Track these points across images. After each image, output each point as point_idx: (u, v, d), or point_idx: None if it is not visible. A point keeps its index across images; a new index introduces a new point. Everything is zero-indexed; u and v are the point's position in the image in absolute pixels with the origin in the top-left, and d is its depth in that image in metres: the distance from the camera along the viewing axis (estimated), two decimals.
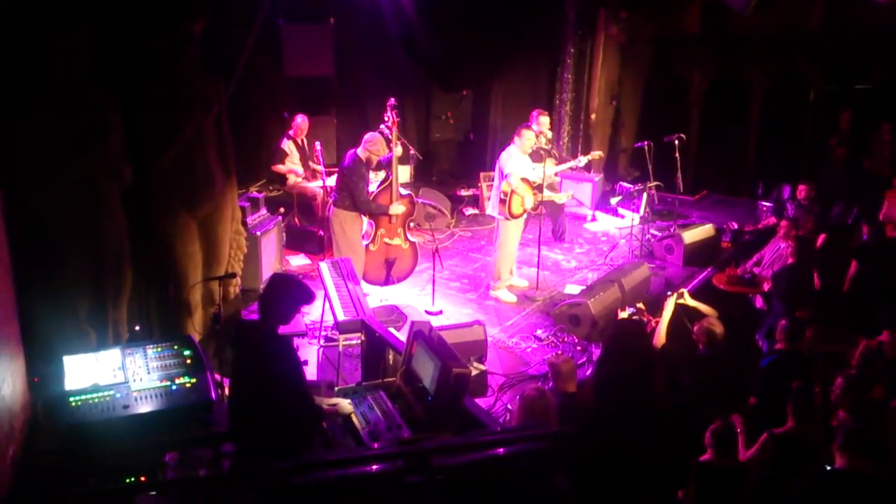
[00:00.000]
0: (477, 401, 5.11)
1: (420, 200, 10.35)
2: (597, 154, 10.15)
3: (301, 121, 10.02)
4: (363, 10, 10.82)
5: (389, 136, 7.76)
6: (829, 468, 4.42)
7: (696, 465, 4.60)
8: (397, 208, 7.74)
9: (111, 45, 5.19)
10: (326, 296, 6.48)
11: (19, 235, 4.67)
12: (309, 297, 4.45)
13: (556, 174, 9.66)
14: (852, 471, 4.21)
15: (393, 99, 7.88)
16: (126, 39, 5.32)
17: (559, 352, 7.00)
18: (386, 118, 7.83)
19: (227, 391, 6.07)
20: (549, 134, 9.81)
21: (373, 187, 7.88)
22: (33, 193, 4.76)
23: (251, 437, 4.18)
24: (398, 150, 7.76)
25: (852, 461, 4.22)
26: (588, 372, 6.83)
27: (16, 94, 4.65)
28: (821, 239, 8.97)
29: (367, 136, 7.65)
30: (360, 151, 7.60)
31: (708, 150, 12.77)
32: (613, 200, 11.10)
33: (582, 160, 9.71)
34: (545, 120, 9.64)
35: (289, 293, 4.32)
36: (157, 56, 5.51)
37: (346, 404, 4.52)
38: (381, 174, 8.02)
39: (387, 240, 7.89)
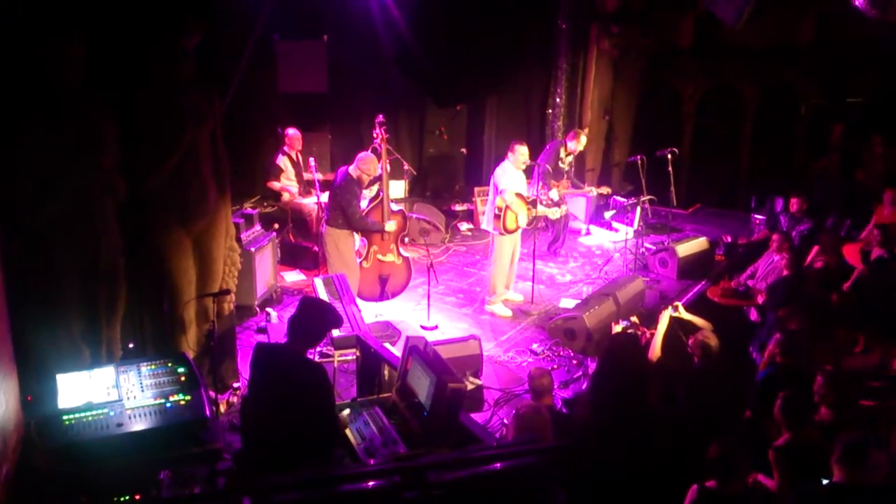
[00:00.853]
0: (473, 415, 5.10)
1: (414, 216, 10.37)
2: (606, 189, 10.41)
3: (293, 133, 10.02)
4: (357, 27, 10.87)
5: (380, 152, 7.79)
6: (825, 482, 4.40)
7: (699, 490, 4.45)
8: (391, 224, 7.76)
9: (106, 58, 5.19)
10: None
11: (12, 251, 4.65)
12: (338, 321, 4.48)
13: (562, 196, 9.78)
14: (850, 484, 4.19)
15: (381, 115, 7.90)
16: (120, 52, 5.33)
17: (537, 367, 6.93)
18: (375, 134, 7.86)
19: (222, 408, 6.10)
20: (572, 158, 9.97)
21: (364, 203, 7.90)
22: (28, 207, 4.73)
23: (277, 458, 4.14)
24: (387, 168, 7.78)
25: (850, 474, 4.20)
26: (584, 386, 6.82)
27: (10, 106, 4.64)
28: (814, 251, 9.00)
29: (361, 155, 7.67)
30: (351, 170, 7.61)
31: (701, 163, 12.83)
32: (607, 214, 11.14)
33: (593, 191, 10.04)
34: (584, 139, 9.86)
35: (321, 317, 4.32)
36: (152, 70, 5.52)
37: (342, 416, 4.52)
38: (374, 189, 8.03)
39: (380, 256, 7.90)
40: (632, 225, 10.15)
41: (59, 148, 4.80)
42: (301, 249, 9.62)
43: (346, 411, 4.59)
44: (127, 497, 4.14)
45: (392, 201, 7.96)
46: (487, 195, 8.62)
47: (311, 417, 4.16)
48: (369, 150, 7.89)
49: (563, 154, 9.82)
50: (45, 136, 4.74)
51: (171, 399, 4.46)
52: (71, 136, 4.86)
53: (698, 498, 4.36)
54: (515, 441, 4.51)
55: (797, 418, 4.89)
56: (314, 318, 4.29)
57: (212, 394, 5.52)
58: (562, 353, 7.57)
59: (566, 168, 9.75)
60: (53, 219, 4.83)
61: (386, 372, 5.39)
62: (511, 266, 8.63)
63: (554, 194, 9.03)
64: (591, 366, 7.09)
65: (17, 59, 4.63)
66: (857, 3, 8.13)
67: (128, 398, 4.45)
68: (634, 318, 6.96)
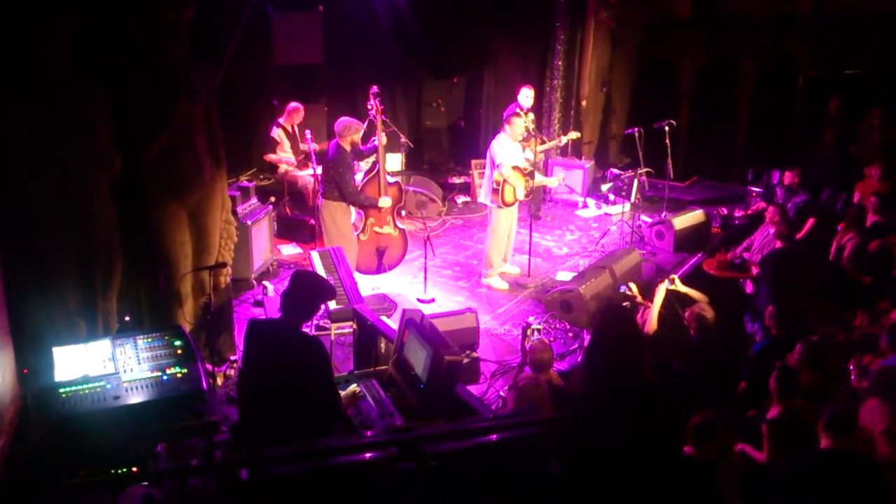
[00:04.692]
0: (469, 388, 5.12)
1: (411, 188, 10.34)
2: (574, 135, 10.25)
3: (293, 107, 9.96)
4: None
5: (375, 124, 7.75)
6: (811, 452, 4.43)
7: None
8: (385, 201, 7.72)
9: (97, 33, 5.14)
10: None
11: (6, 225, 4.64)
12: (331, 293, 4.48)
13: (543, 153, 9.70)
14: (839, 451, 4.22)
15: (375, 87, 7.84)
16: (113, 27, 5.27)
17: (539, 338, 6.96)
18: (370, 106, 7.81)
19: (218, 381, 6.12)
20: (532, 115, 9.82)
21: (360, 176, 7.87)
22: (20, 184, 4.72)
23: (274, 431, 4.14)
24: (383, 139, 7.73)
25: (838, 442, 4.23)
26: (580, 358, 6.84)
27: None
28: (809, 224, 9.02)
29: (337, 124, 7.62)
30: (339, 141, 7.58)
31: (698, 135, 12.78)
32: (604, 187, 11.12)
33: (563, 139, 9.87)
34: (530, 93, 9.65)
35: (313, 290, 4.31)
36: (145, 44, 5.47)
37: (355, 391, 4.53)
38: (370, 161, 8.00)
39: (377, 228, 7.88)
40: (629, 198, 10.14)
41: (49, 124, 4.77)
42: (298, 222, 9.60)
43: (354, 387, 4.58)
44: (124, 469, 4.16)
45: (388, 174, 7.92)
46: (484, 168, 8.58)
47: (308, 391, 4.17)
48: (364, 123, 7.84)
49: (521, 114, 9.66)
50: (35, 113, 4.70)
51: (168, 372, 4.48)
52: (61, 112, 4.83)
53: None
54: (514, 413, 4.54)
55: (788, 390, 4.93)
56: (307, 292, 4.28)
57: (208, 367, 5.54)
58: (558, 325, 7.59)
59: (531, 126, 9.63)
60: (45, 193, 4.81)
61: (383, 345, 5.40)
62: (508, 239, 8.62)
63: (529, 153, 8.91)
64: (587, 338, 7.11)
65: (6, 36, 4.58)
66: None
67: (124, 371, 4.46)
68: (632, 285, 6.98)
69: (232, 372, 6.33)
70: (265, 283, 8.06)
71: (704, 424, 4.64)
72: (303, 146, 9.83)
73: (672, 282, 6.65)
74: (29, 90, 4.71)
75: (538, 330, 6.44)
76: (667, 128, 9.94)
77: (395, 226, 7.99)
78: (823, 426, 4.28)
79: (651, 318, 6.29)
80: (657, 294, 6.48)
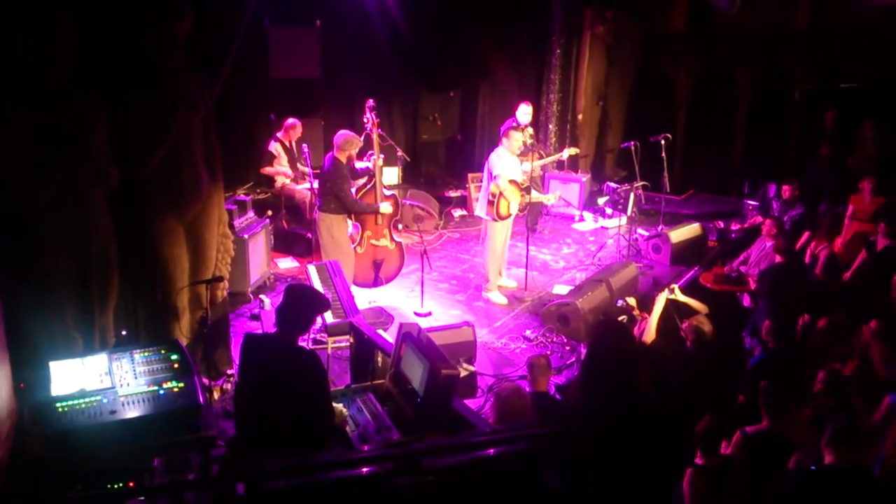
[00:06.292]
0: (466, 402, 5.11)
1: (408, 202, 10.35)
2: (574, 150, 10.42)
3: (291, 122, 9.98)
4: (349, 12, 10.81)
5: (372, 137, 7.77)
6: (813, 468, 4.41)
7: (694, 469, 4.54)
8: (386, 207, 7.75)
9: (96, 45, 5.15)
10: None
11: (4, 238, 4.63)
12: (325, 306, 4.49)
13: (541, 168, 9.76)
14: (842, 466, 4.21)
15: (372, 100, 7.87)
16: (111, 39, 5.29)
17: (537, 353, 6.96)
18: (366, 119, 7.83)
19: (215, 395, 6.10)
20: (531, 130, 9.89)
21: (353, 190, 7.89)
22: (17, 195, 4.71)
23: (271, 445, 4.13)
24: (379, 162, 7.75)
25: (841, 456, 4.22)
26: (576, 371, 6.84)
27: None
28: (804, 237, 9.03)
29: (336, 138, 7.65)
30: (336, 154, 7.60)
31: (694, 149, 12.82)
32: (601, 200, 11.14)
33: (564, 154, 10.02)
34: (524, 107, 9.74)
35: (308, 304, 4.33)
36: (142, 57, 5.48)
37: (341, 410, 4.51)
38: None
39: (373, 241, 7.89)
40: (625, 211, 10.16)
41: (48, 133, 4.77)
42: (294, 236, 9.60)
43: (342, 407, 4.57)
44: (121, 484, 4.14)
45: (384, 187, 7.94)
46: (481, 181, 8.60)
47: (305, 405, 4.16)
48: (362, 136, 7.86)
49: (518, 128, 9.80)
50: (33, 121, 4.71)
51: (165, 386, 4.46)
52: (60, 121, 4.83)
53: (693, 475, 4.43)
54: (497, 422, 4.54)
55: (779, 407, 4.89)
56: (300, 306, 4.28)
57: (205, 381, 5.53)
58: (555, 339, 7.59)
59: (529, 141, 9.70)
60: (43, 204, 4.81)
61: (379, 359, 5.39)
62: (502, 252, 8.63)
63: (526, 166, 8.96)
64: (584, 351, 7.10)
65: (4, 41, 4.59)
66: None
67: (121, 385, 4.45)
68: (630, 300, 6.97)
69: (229, 386, 6.31)
70: (262, 296, 8.05)
71: (713, 429, 4.59)
72: (300, 167, 9.84)
73: (672, 291, 6.65)
74: (27, 99, 4.71)
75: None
76: (663, 141, 9.98)
77: (392, 239, 8.00)
78: (826, 442, 4.26)
79: (649, 327, 6.29)
80: (657, 303, 6.47)
